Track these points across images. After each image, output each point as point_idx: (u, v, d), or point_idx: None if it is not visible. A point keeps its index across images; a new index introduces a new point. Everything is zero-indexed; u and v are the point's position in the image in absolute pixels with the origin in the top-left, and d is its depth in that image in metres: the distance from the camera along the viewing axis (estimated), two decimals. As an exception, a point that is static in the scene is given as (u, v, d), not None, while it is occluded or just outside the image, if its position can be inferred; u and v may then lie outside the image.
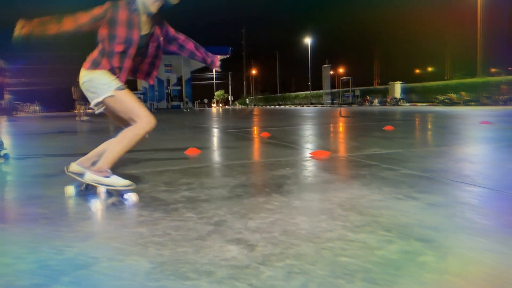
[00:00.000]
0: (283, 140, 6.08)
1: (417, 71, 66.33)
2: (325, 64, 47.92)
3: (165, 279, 1.40)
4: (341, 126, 9.59)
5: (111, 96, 2.43)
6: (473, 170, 3.26)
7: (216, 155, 4.87)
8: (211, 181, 3.12)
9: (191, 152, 4.83)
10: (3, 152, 4.58)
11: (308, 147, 5.13)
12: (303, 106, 44.08)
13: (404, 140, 5.80)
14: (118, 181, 2.45)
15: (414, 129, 8.04)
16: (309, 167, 3.65)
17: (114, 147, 2.46)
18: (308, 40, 53.24)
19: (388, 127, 7.64)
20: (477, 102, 26.06)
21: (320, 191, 2.67)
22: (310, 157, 4.24)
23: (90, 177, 2.45)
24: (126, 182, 2.46)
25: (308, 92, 51.55)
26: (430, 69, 63.48)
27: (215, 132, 8.86)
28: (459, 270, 1.42)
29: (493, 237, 1.72)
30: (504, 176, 3.05)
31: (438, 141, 5.77)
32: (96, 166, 2.48)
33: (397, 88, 33.70)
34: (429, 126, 8.62)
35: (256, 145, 5.82)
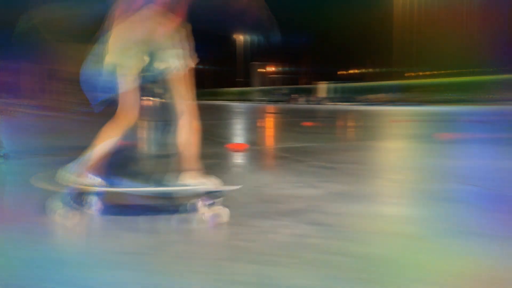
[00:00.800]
0: (206, 133, 6.05)
1: (343, 72, 69.71)
2: (256, 61, 48.56)
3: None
4: (265, 122, 9.79)
5: None
6: (374, 163, 3.51)
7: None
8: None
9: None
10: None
11: (227, 140, 5.16)
12: (233, 102, 44.30)
13: (320, 135, 6.06)
14: None
15: (331, 126, 8.46)
16: (223, 159, 3.68)
17: None
18: (239, 36, 53.49)
19: (307, 123, 7.95)
20: (393, 103, 28.09)
21: (228, 180, 2.69)
22: (227, 149, 4.27)
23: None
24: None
25: (239, 88, 51.90)
26: (355, 71, 67.05)
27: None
28: (344, 250, 1.51)
29: (387, 220, 1.86)
30: (405, 167, 3.32)
31: (350, 136, 6.13)
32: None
33: (323, 87, 35.18)
34: (346, 123, 9.13)
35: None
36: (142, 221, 1.88)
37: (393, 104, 26.99)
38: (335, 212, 1.98)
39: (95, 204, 2.04)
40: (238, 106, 27.13)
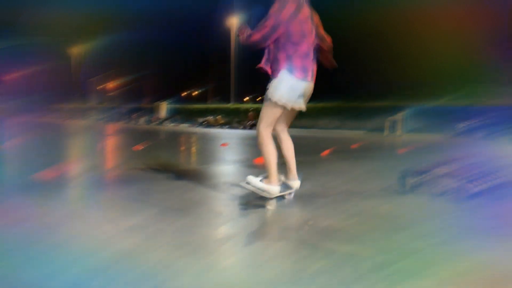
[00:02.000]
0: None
1: (185, 93, 70.63)
2: (93, 78, 45.74)
3: None
4: (96, 144, 9.40)
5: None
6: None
7: None
8: None
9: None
10: None
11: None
12: (65, 121, 40.56)
13: (145, 159, 6.17)
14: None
15: (162, 149, 8.64)
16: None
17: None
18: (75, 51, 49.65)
19: (137, 147, 7.96)
20: (230, 126, 29.85)
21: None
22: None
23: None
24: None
25: (76, 105, 47.88)
26: (196, 92, 68.72)
27: None
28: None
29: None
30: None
31: (169, 158, 6.39)
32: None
33: (164, 108, 35.21)
34: (178, 147, 9.43)
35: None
36: None
37: (231, 127, 28.72)
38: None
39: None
40: (72, 124, 25.08)
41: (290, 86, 2.88)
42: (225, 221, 2.66)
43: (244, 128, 27.37)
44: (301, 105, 3.00)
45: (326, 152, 7.50)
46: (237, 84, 36.65)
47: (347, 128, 27.87)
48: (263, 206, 2.96)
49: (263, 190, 2.96)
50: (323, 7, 3.53)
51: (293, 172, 3.16)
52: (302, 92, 2.94)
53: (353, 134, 17.14)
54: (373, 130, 21.50)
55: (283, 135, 3.20)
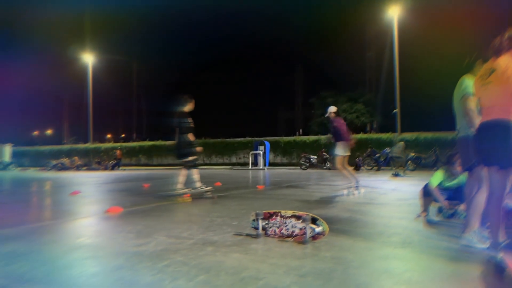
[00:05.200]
0: None
1: (36, 132, 63.69)
2: None
3: None
4: None
5: None
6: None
7: None
8: None
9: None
10: None
11: None
12: None
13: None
14: None
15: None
16: None
17: None
18: None
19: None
20: (89, 166, 27.53)
21: None
22: None
23: None
24: None
25: None
26: (49, 131, 62.49)
27: None
28: None
29: None
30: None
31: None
32: None
33: (7, 150, 30.85)
34: (21, 197, 8.09)
35: None
36: None
37: (91, 168, 26.48)
38: None
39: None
40: None
41: None
42: None
43: (106, 168, 25.49)
44: None
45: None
46: (96, 122, 34.28)
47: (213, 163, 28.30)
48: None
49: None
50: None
51: None
52: None
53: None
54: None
55: None
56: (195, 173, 6.88)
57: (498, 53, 2.81)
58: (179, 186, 6.81)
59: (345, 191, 7.51)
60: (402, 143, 15.78)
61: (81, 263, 2.83)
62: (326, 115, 7.97)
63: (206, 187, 7.01)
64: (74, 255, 3.06)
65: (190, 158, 6.85)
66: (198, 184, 6.86)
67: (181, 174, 6.84)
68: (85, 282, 2.40)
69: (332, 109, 8.00)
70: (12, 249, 3.24)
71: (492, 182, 2.80)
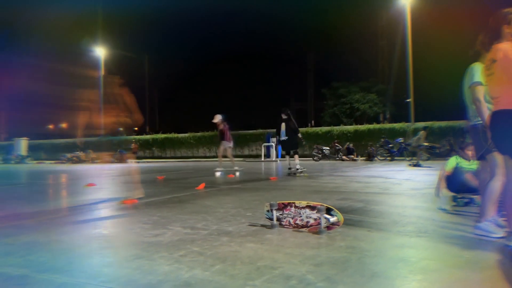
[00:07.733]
0: None
1: (51, 126, 64.45)
2: None
3: None
4: None
5: None
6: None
7: None
8: None
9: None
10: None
11: None
12: None
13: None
14: None
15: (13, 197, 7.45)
16: None
17: None
18: None
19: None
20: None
21: None
22: None
23: None
24: None
25: None
26: (64, 125, 63.26)
27: None
28: None
29: None
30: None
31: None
32: None
33: (24, 144, 31.34)
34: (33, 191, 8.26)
35: None
36: None
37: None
38: None
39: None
40: None
41: None
42: None
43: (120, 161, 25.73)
44: None
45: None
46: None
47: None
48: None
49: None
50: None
51: None
52: None
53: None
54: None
55: None
56: (297, 159, 10.32)
57: (487, 46, 2.89)
58: (298, 166, 10.05)
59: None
60: (422, 132, 15.40)
61: (99, 253, 2.89)
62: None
63: (303, 168, 10.23)
64: (92, 245, 3.12)
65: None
66: (298, 166, 10.12)
67: (295, 158, 10.32)
68: (104, 270, 2.45)
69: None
70: (32, 239, 3.32)
71: (509, 170, 2.76)
